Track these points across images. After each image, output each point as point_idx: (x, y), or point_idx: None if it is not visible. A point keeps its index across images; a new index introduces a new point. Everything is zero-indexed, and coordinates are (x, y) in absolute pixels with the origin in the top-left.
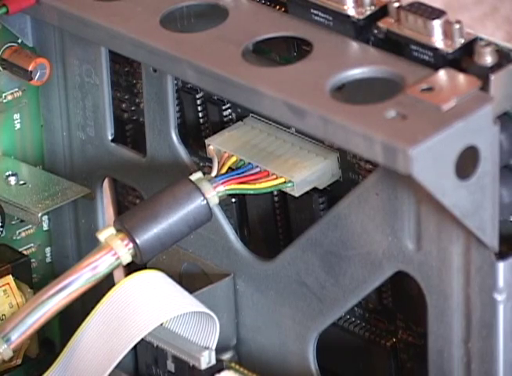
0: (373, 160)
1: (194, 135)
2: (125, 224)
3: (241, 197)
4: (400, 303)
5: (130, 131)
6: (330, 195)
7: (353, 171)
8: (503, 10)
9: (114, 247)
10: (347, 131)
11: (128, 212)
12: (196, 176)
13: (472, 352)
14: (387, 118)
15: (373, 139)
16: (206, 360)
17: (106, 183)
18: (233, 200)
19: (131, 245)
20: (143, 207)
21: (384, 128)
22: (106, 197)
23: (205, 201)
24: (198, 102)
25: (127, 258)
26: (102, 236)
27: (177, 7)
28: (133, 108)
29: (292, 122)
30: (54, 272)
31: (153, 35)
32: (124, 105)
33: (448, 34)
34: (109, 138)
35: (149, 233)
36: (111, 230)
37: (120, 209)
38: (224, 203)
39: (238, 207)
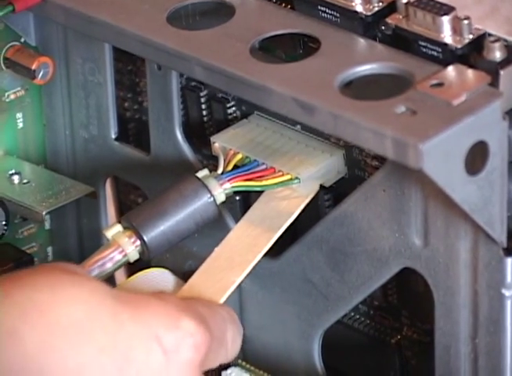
0: (383, 156)
1: (198, 134)
2: (133, 221)
3: (245, 195)
4: (405, 300)
5: (132, 130)
6: (336, 192)
7: (359, 168)
8: (504, 10)
9: (122, 245)
10: (357, 126)
11: (135, 210)
12: (203, 173)
13: (479, 348)
14: (397, 114)
15: (384, 134)
16: None
17: (107, 182)
18: (237, 197)
19: (138, 242)
20: (150, 204)
21: (394, 124)
22: (108, 196)
23: (212, 198)
24: (202, 100)
25: (134, 256)
26: (109, 233)
27: (183, 4)
28: (136, 107)
29: (301, 118)
30: None
31: (161, 33)
32: (126, 104)
33: (456, 29)
34: (113, 136)
35: (157, 231)
36: (118, 228)
37: (122, 208)
38: (228, 201)
39: (242, 204)
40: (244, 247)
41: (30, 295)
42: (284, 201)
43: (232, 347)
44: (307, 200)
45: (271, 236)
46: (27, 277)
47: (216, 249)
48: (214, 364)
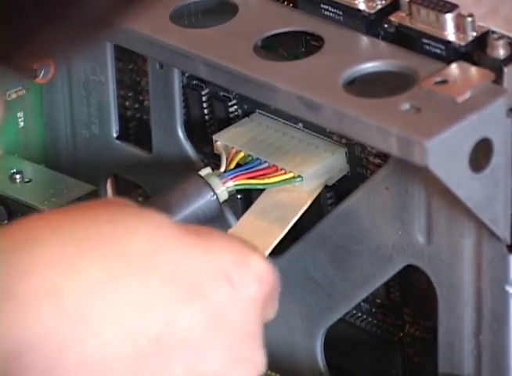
0: (388, 153)
1: (199, 132)
2: None
3: (247, 194)
4: (407, 297)
5: (134, 129)
6: (338, 190)
7: (361, 165)
8: (503, 10)
9: None
10: (361, 124)
11: None
12: (206, 172)
13: (483, 344)
14: (401, 111)
15: (389, 131)
16: None
17: (108, 181)
18: (239, 196)
19: None
20: (153, 202)
21: (398, 121)
22: (109, 195)
23: (215, 197)
24: (204, 98)
25: None
26: None
27: (186, 3)
28: (137, 106)
29: (306, 116)
30: None
31: (164, 31)
32: (128, 102)
33: (460, 27)
34: (114, 135)
35: None
36: None
37: None
38: (230, 199)
39: (244, 203)
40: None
41: (92, 227)
42: (289, 198)
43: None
44: (314, 196)
45: (278, 232)
46: (88, 210)
47: None
48: (267, 317)
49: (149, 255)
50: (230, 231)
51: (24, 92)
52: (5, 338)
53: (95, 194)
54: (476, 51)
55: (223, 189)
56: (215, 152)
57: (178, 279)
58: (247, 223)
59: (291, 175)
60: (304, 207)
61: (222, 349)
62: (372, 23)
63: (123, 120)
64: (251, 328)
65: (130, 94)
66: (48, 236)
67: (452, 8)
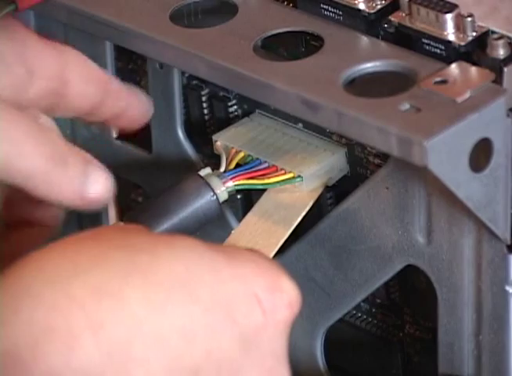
0: (388, 153)
1: (199, 132)
2: (136, 220)
3: (247, 194)
4: (407, 297)
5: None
6: (338, 190)
7: (361, 166)
8: (503, 10)
9: None
10: (361, 124)
11: (138, 208)
12: (206, 172)
13: (483, 345)
14: (401, 111)
15: (388, 131)
16: None
17: None
18: (239, 196)
19: None
20: (153, 203)
21: (398, 121)
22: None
23: (215, 197)
24: (203, 98)
25: None
26: None
27: (186, 3)
28: None
29: (305, 116)
30: None
31: (164, 31)
32: None
33: (460, 27)
34: (114, 135)
35: (160, 229)
36: None
37: (122, 207)
38: (230, 199)
39: (244, 203)
40: (257, 241)
41: (131, 257)
42: (291, 199)
43: None
44: (315, 197)
45: (281, 233)
46: (117, 238)
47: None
48: None
49: (188, 283)
50: (234, 232)
51: None
52: (45, 374)
53: None
54: (476, 51)
55: (223, 189)
56: (215, 152)
57: (216, 307)
58: (250, 225)
59: (291, 175)
60: (307, 208)
61: (255, 372)
62: (372, 23)
63: None
64: (281, 349)
65: None
66: (82, 270)
67: (452, 8)
